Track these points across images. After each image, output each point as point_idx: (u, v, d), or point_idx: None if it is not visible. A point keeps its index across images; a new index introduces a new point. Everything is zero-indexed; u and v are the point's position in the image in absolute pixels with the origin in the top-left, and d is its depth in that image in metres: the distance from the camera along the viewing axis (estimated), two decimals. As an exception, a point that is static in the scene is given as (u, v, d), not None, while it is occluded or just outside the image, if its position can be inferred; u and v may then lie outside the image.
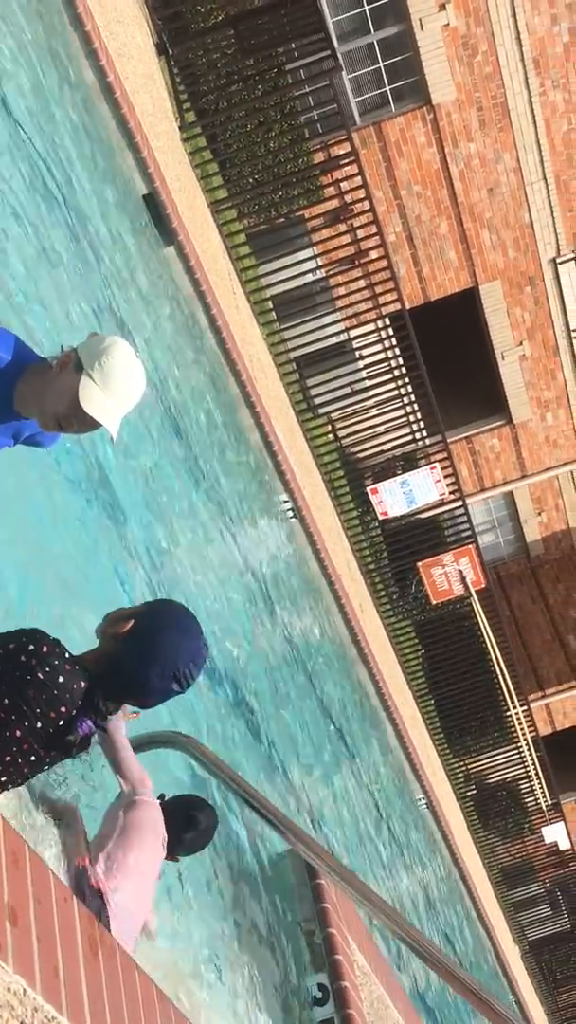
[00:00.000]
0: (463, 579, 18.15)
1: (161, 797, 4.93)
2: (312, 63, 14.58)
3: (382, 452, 17.86)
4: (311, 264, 15.82)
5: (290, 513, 13.60)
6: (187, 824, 4.95)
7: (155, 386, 9.29)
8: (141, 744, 5.11)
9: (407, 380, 16.94)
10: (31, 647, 3.16)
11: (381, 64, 17.33)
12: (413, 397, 17.12)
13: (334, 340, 16.57)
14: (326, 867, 5.01)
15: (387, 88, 17.54)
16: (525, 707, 20.65)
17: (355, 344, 16.95)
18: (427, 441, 18.04)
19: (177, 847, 4.92)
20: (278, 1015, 6.03)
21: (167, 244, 11.24)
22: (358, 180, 15.08)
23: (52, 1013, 2.88)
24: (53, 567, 5.97)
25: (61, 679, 3.17)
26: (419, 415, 17.42)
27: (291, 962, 6.42)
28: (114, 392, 3.45)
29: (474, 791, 22.64)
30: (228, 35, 14.06)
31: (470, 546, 18.32)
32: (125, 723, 4.81)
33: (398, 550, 18.76)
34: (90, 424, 3.48)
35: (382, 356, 16.85)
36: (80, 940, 3.30)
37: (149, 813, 4.69)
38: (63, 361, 3.48)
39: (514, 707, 20.35)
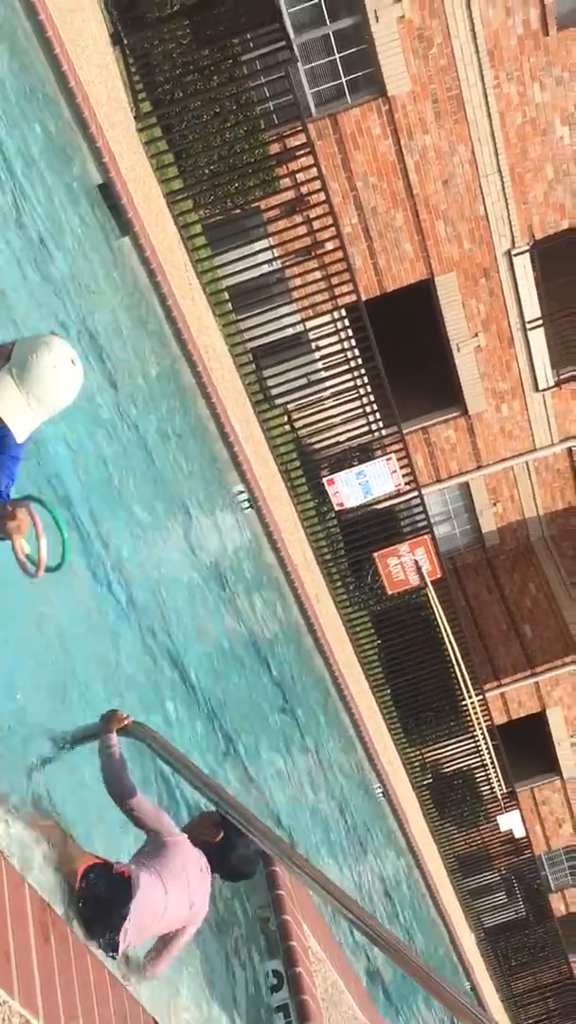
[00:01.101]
0: (419, 569, 18.24)
1: (217, 817, 5.30)
2: (267, 54, 14.59)
3: (338, 443, 17.93)
4: (267, 255, 15.83)
5: (246, 504, 13.62)
6: (232, 850, 5.29)
7: (110, 376, 9.28)
8: (94, 733, 5.13)
9: (363, 371, 17.00)
10: None
11: (337, 56, 17.35)
12: (369, 388, 17.19)
13: (290, 331, 16.61)
14: (280, 854, 5.04)
15: (343, 80, 17.56)
16: (481, 696, 20.79)
17: (311, 335, 16.99)
18: (383, 432, 18.13)
19: (216, 868, 5.28)
20: (232, 1002, 6.07)
21: (122, 234, 11.23)
22: (314, 171, 15.11)
23: (3, 996, 2.91)
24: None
25: None
26: (375, 406, 17.49)
27: (246, 949, 6.46)
28: (31, 393, 3.33)
29: (430, 780, 22.77)
30: (183, 25, 14.03)
31: (426, 536, 18.42)
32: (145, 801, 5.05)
33: (354, 540, 18.83)
34: None
35: (338, 347, 16.90)
36: (32, 926, 3.32)
37: (176, 851, 4.98)
38: None
39: (470, 696, 20.48)
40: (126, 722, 5.16)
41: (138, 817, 5.00)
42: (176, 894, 4.88)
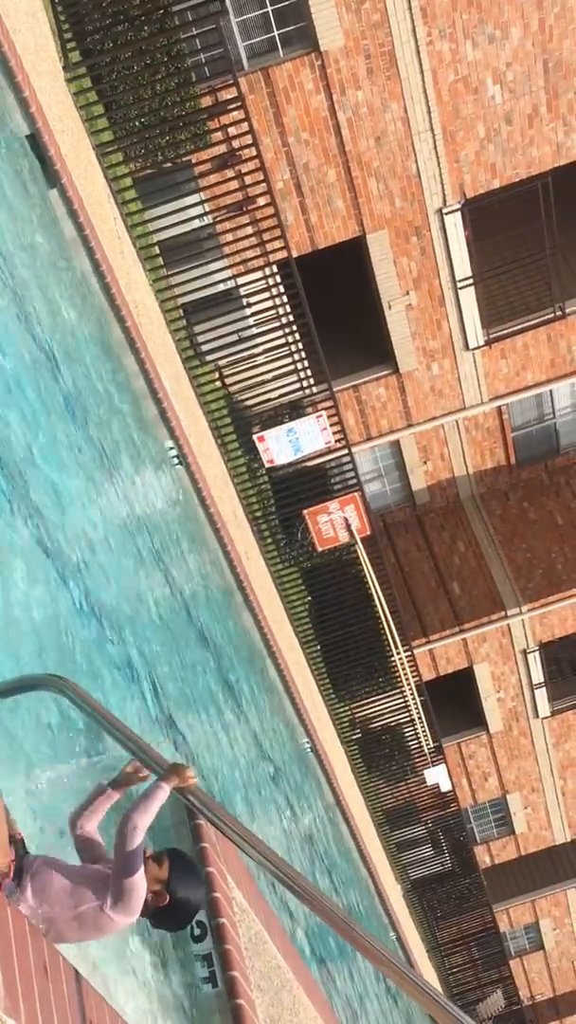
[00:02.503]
0: (348, 527, 18.35)
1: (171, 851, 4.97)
2: (199, 5, 14.42)
3: (269, 400, 17.92)
4: (198, 210, 15.72)
5: (175, 460, 13.60)
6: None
7: (35, 332, 9.20)
8: (15, 687, 5.11)
9: (294, 328, 16.98)
10: None
11: (269, 8, 17.17)
12: (300, 345, 17.18)
13: (222, 287, 16.53)
14: (204, 809, 5.07)
15: (275, 33, 17.41)
16: (409, 653, 21.03)
17: (243, 291, 16.92)
18: (314, 390, 18.14)
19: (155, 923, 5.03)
20: (155, 951, 6.14)
21: (50, 186, 11.08)
22: (245, 126, 15.00)
23: None
24: None
25: None
26: (306, 363, 17.49)
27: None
28: None
29: (359, 735, 23.03)
30: (113, -27, 13.81)
31: (355, 494, 18.53)
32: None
33: (285, 498, 18.89)
34: None
35: (269, 304, 16.86)
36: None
37: (104, 925, 4.70)
38: None
39: (398, 653, 20.70)
40: (189, 783, 4.73)
41: (122, 884, 4.62)
42: (52, 933, 4.66)
